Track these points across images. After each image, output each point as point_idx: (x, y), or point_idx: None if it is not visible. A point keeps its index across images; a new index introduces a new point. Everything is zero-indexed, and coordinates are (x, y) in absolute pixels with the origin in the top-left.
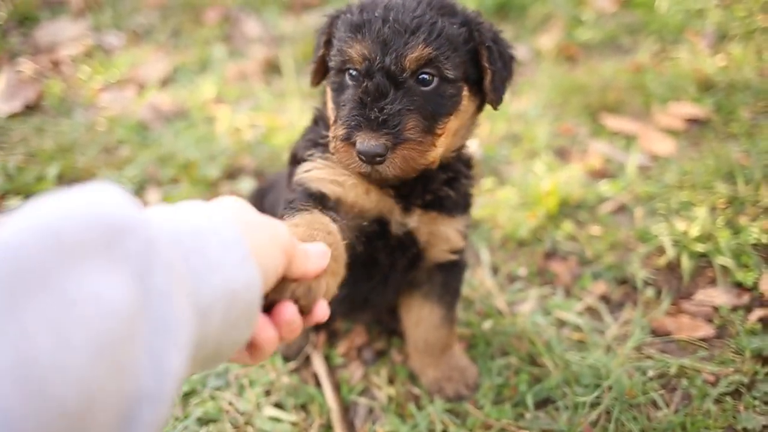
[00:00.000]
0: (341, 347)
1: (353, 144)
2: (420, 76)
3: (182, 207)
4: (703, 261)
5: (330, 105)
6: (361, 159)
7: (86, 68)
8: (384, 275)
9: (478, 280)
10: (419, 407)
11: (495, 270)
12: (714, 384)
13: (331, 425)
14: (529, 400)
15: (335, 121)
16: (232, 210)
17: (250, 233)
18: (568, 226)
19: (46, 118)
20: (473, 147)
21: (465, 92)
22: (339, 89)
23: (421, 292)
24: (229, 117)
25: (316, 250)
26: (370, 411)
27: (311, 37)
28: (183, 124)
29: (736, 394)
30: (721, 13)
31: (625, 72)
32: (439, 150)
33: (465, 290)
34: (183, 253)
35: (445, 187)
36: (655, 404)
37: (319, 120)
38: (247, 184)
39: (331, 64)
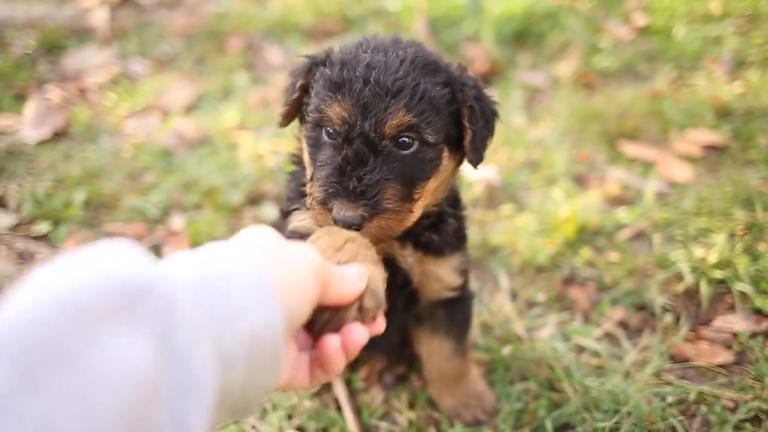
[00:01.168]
0: (362, 372)
1: (330, 209)
2: (400, 140)
3: (205, 251)
4: (722, 287)
5: (306, 158)
6: (336, 224)
7: (112, 95)
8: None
9: (497, 306)
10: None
11: (514, 295)
12: (733, 410)
13: None
14: (549, 426)
15: (312, 179)
16: (258, 243)
17: (278, 265)
18: (586, 252)
19: (74, 144)
20: (491, 174)
21: (445, 153)
22: (315, 145)
23: (429, 326)
24: (252, 144)
25: (353, 272)
26: None
27: None
28: (206, 151)
29: (755, 420)
30: (738, 40)
31: (643, 99)
32: (417, 214)
33: (484, 315)
34: (205, 304)
35: (427, 232)
36: (674, 430)
37: (298, 165)
38: (270, 210)
39: (308, 117)
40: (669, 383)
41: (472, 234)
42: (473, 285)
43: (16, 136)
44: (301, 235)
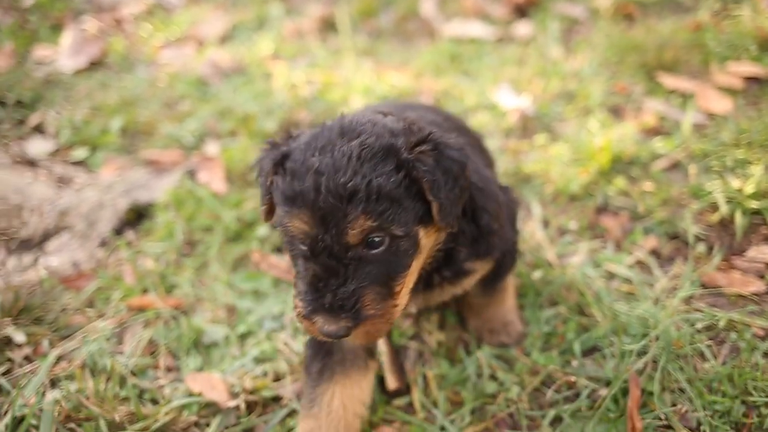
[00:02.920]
0: None
1: (313, 323)
2: (369, 241)
3: None
4: (757, 218)
5: (288, 256)
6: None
7: (148, 26)
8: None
9: (529, 233)
10: (468, 352)
11: (546, 223)
12: (763, 338)
13: (382, 367)
14: (577, 348)
15: (296, 285)
16: None
17: None
18: (620, 181)
19: (110, 73)
20: (525, 104)
21: (421, 234)
22: (291, 248)
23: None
24: (286, 73)
25: None
26: (420, 355)
27: None
28: (241, 80)
29: None
30: None
31: (684, 31)
32: (403, 301)
33: None
34: None
35: (443, 270)
36: (702, 356)
37: None
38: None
39: (278, 228)
40: (699, 310)
41: (505, 163)
42: None
43: (53, 65)
44: None
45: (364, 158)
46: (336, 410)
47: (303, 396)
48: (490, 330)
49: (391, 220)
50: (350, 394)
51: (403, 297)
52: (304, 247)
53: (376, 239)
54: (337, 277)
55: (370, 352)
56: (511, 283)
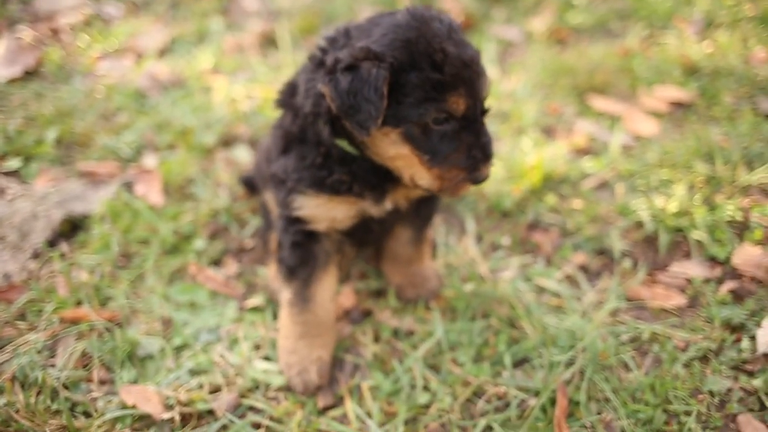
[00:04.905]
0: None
1: (475, 176)
2: None
3: None
4: (679, 236)
5: (411, 149)
6: (471, 184)
7: (85, 37)
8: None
9: (463, 248)
10: (402, 362)
11: (479, 239)
12: (684, 350)
13: None
14: (507, 360)
15: (432, 165)
16: None
17: None
18: (551, 199)
19: (45, 84)
20: None
21: None
22: (425, 137)
23: (403, 220)
24: (226, 87)
25: None
26: (356, 367)
27: (307, 12)
28: (180, 93)
29: (704, 359)
30: (709, 1)
31: (614, 56)
32: None
33: (449, 257)
34: None
35: None
36: (626, 366)
37: (301, 143)
38: (242, 152)
39: (413, 117)
40: (624, 323)
41: None
42: (440, 228)
43: None
44: (305, 222)
45: (467, 40)
46: (325, 302)
47: (293, 298)
48: (411, 284)
49: None
50: (330, 286)
51: None
52: (453, 124)
53: None
54: (486, 135)
55: (338, 250)
56: (429, 244)
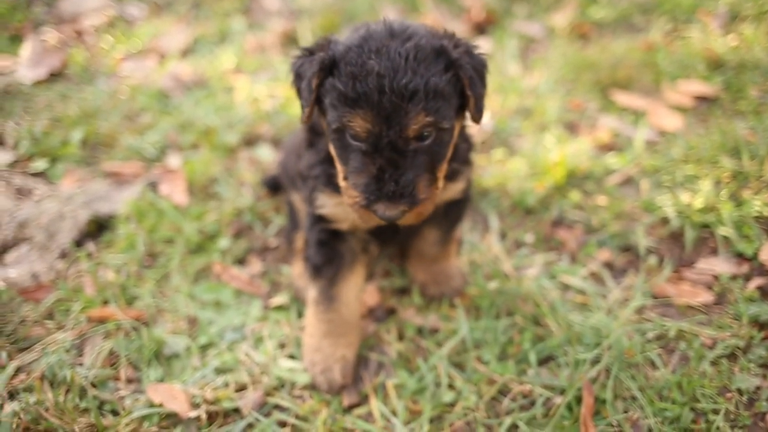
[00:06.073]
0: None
1: (374, 211)
2: (420, 135)
3: None
4: (706, 232)
5: (334, 154)
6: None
7: (109, 38)
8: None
9: (486, 246)
10: (426, 361)
11: (503, 236)
12: (711, 347)
13: None
14: (532, 358)
15: (345, 179)
16: None
17: None
18: (575, 196)
19: (70, 85)
20: (483, 120)
21: (455, 124)
22: (342, 146)
23: (431, 221)
24: (248, 87)
25: None
26: (380, 365)
27: (328, 11)
28: (203, 93)
29: (732, 357)
30: None
31: (637, 50)
32: (441, 185)
33: (473, 255)
34: None
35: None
36: (653, 364)
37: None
38: (265, 151)
39: (332, 125)
40: (650, 320)
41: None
42: (464, 225)
43: (12, 76)
44: (328, 221)
45: (420, 59)
46: (351, 302)
47: (319, 296)
48: (435, 282)
49: (442, 116)
50: (355, 285)
51: (441, 182)
52: (362, 144)
53: (425, 133)
54: (398, 168)
55: (364, 249)
56: (455, 243)
